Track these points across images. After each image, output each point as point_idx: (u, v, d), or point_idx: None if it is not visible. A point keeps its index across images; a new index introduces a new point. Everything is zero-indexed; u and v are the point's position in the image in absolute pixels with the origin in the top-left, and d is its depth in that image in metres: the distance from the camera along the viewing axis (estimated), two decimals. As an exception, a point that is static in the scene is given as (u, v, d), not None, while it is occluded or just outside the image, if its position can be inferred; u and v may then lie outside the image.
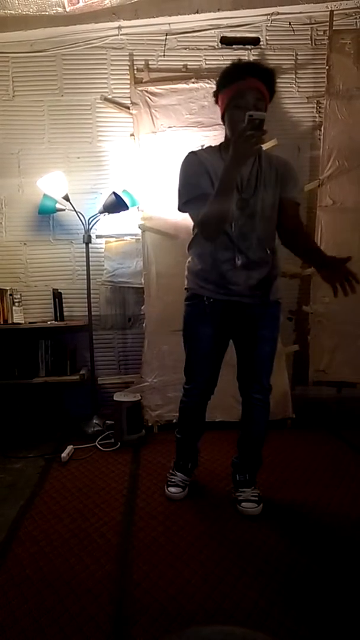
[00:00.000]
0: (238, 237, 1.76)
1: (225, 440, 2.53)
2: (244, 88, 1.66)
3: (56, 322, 3.03)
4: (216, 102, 1.81)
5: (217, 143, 1.87)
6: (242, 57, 3.14)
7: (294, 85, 3.19)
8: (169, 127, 2.99)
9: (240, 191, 1.75)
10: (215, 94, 1.79)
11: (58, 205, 2.99)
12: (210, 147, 1.84)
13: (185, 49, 3.14)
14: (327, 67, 3.03)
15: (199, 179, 1.73)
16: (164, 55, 3.13)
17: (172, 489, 2.05)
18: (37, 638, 1.25)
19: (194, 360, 1.95)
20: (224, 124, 1.79)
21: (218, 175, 1.66)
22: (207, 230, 1.77)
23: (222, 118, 1.79)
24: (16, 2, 2.83)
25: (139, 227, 2.99)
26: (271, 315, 1.88)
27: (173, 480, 2.08)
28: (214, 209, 1.66)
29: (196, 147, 1.86)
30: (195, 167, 1.76)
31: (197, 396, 2.00)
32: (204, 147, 1.86)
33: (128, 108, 3.08)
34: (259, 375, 1.90)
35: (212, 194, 1.65)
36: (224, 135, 1.82)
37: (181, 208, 1.81)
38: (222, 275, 1.80)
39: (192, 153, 1.81)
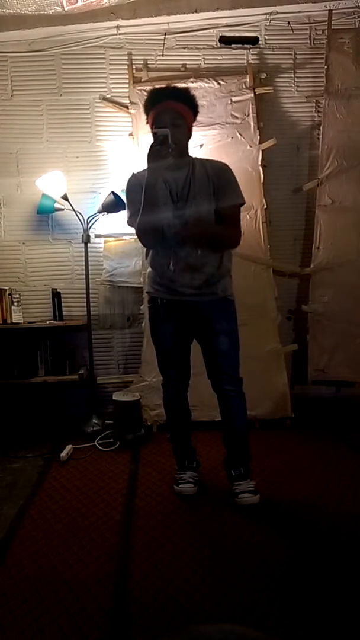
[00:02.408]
0: (174, 243, 1.90)
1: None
2: (160, 110, 1.89)
3: (55, 322, 3.03)
4: (149, 125, 1.98)
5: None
6: (241, 57, 3.15)
7: (292, 85, 3.19)
8: (168, 126, 2.99)
9: (175, 201, 1.91)
10: (147, 120, 1.98)
11: (57, 205, 2.99)
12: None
13: (184, 48, 3.14)
14: (325, 67, 3.03)
15: (136, 196, 1.87)
16: (162, 54, 3.13)
17: (184, 485, 2.07)
18: (37, 637, 1.25)
19: (161, 356, 2.10)
20: None
21: None
22: (143, 239, 2.00)
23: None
24: (15, 1, 2.83)
25: (138, 227, 2.99)
26: (223, 309, 1.98)
27: (183, 478, 2.10)
28: (143, 220, 1.84)
29: (137, 170, 2.05)
30: (133, 186, 1.95)
31: (173, 387, 2.12)
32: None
33: (127, 107, 3.08)
34: (224, 366, 1.97)
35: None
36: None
37: (128, 223, 2.00)
38: (168, 278, 1.95)
39: (132, 174, 2.01)
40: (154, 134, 1.80)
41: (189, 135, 1.98)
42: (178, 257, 1.90)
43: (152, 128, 1.90)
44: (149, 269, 2.07)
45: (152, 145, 1.79)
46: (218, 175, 1.93)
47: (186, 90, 1.99)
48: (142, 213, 1.83)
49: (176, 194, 1.91)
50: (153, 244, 1.97)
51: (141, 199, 1.81)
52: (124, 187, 2.03)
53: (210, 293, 1.94)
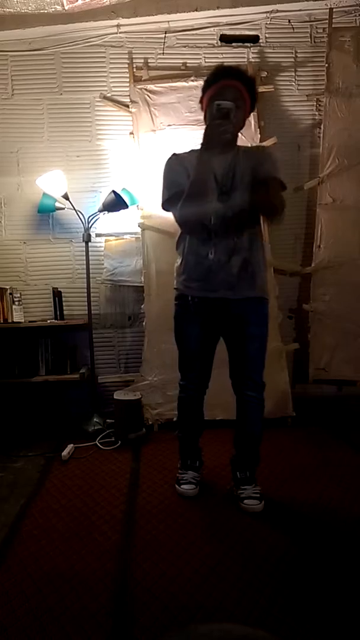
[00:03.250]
0: (216, 230, 1.82)
1: (226, 439, 2.51)
2: (223, 86, 1.78)
3: (56, 321, 3.03)
4: (200, 105, 1.90)
5: None
6: (242, 55, 3.14)
7: (293, 83, 3.19)
8: (169, 125, 2.99)
9: (220, 185, 1.81)
10: (201, 98, 1.88)
11: (57, 204, 2.99)
12: (193, 149, 1.88)
13: (185, 46, 3.14)
14: (326, 65, 3.03)
15: (178, 177, 1.81)
16: (163, 53, 3.13)
17: (185, 486, 2.05)
18: (38, 636, 1.25)
19: (184, 357, 2.03)
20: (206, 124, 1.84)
21: None
22: (186, 225, 1.89)
23: (205, 118, 1.86)
24: (15, 0, 2.82)
25: (139, 226, 2.99)
26: (258, 312, 1.90)
27: (185, 478, 2.08)
28: (190, 203, 1.76)
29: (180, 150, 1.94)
30: (175, 166, 1.87)
31: (192, 390, 2.05)
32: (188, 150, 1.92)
33: (127, 106, 3.08)
34: (250, 372, 1.92)
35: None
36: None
37: (164, 206, 1.91)
38: (205, 270, 1.85)
39: (173, 154, 1.91)
40: (217, 106, 1.64)
41: (243, 125, 1.87)
42: (217, 246, 1.82)
43: (208, 102, 1.78)
44: (179, 263, 1.95)
45: (212, 119, 1.65)
46: (260, 156, 1.86)
47: (253, 78, 1.87)
48: (187, 199, 1.75)
49: (221, 180, 1.81)
50: (193, 231, 1.86)
51: (185, 182, 1.74)
52: (164, 167, 1.90)
53: (246, 287, 1.85)
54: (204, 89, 1.85)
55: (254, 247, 1.87)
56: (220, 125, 1.66)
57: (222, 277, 1.84)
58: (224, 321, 1.92)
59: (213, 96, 1.77)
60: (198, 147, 1.80)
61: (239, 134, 1.93)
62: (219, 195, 1.81)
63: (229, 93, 1.76)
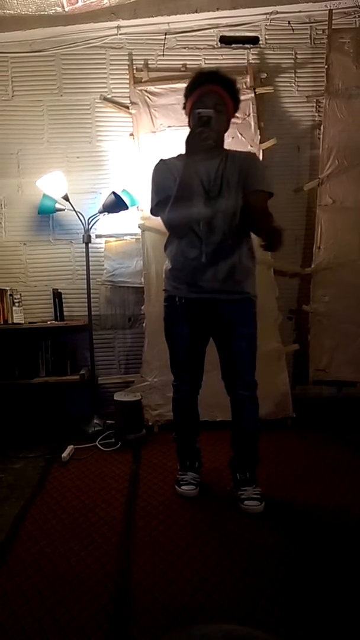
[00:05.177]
0: (205, 234, 1.84)
1: (225, 440, 2.50)
2: (204, 92, 1.81)
3: (56, 322, 3.03)
4: (184, 110, 1.92)
5: None
6: (242, 56, 3.15)
7: (293, 85, 3.19)
8: (169, 126, 2.99)
9: (207, 190, 1.84)
10: (184, 104, 1.91)
11: (58, 205, 2.99)
12: (180, 154, 1.89)
13: (185, 48, 3.14)
14: (326, 66, 3.03)
15: (166, 182, 1.83)
16: (163, 54, 3.13)
17: (185, 487, 2.05)
18: (38, 637, 1.25)
19: (175, 358, 2.05)
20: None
21: None
22: (174, 229, 1.91)
23: (189, 124, 1.89)
24: (15, 2, 2.83)
25: (139, 227, 2.99)
26: (244, 312, 1.92)
27: (185, 479, 2.08)
28: (177, 207, 1.78)
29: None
30: (162, 172, 1.89)
31: (185, 391, 2.07)
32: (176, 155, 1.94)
33: (127, 108, 3.08)
34: (240, 371, 1.93)
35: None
36: None
37: (153, 211, 1.95)
38: (192, 272, 1.88)
39: (160, 160, 1.94)
40: (197, 114, 1.69)
41: (227, 127, 1.90)
42: (206, 250, 1.84)
43: (191, 110, 1.82)
44: (167, 265, 1.99)
45: (193, 127, 1.70)
46: (247, 164, 1.87)
47: (233, 81, 1.88)
48: (174, 204, 1.78)
49: (208, 185, 1.84)
50: (181, 235, 1.89)
51: (172, 187, 1.76)
52: (152, 173, 1.93)
53: (233, 291, 1.87)
54: (186, 95, 1.88)
55: (241, 250, 1.90)
56: (202, 133, 1.70)
57: (209, 279, 1.87)
58: (212, 322, 1.94)
59: (194, 103, 1.82)
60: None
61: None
62: (206, 199, 1.84)
63: (210, 99, 1.79)
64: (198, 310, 1.92)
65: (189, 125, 1.87)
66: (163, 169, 1.89)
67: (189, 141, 1.71)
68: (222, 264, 1.85)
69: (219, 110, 1.79)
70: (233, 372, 1.94)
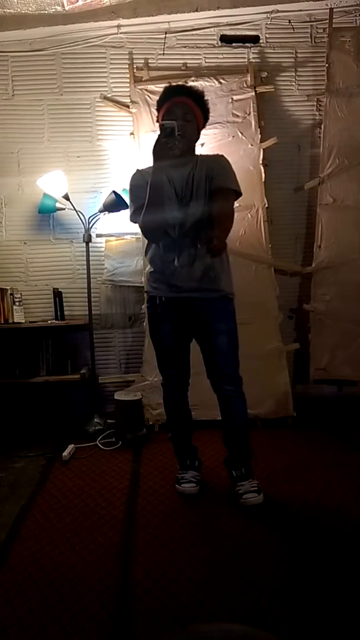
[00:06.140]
0: (179, 237, 1.92)
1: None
2: (172, 104, 1.92)
3: (57, 322, 3.04)
4: (158, 123, 1.98)
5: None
6: (242, 55, 3.15)
7: (293, 83, 3.19)
8: (169, 125, 2.98)
9: (180, 196, 1.92)
10: (157, 116, 2.01)
11: (58, 205, 2.99)
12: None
13: (185, 47, 3.14)
14: (327, 65, 3.03)
15: (141, 191, 1.89)
16: (163, 53, 3.13)
17: (185, 485, 2.06)
18: (39, 636, 1.25)
19: (161, 357, 2.10)
20: None
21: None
22: (149, 234, 2.01)
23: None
24: (15, 1, 2.83)
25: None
26: (222, 309, 1.98)
27: (185, 477, 2.09)
28: (149, 213, 1.85)
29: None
30: (137, 181, 1.97)
31: (174, 387, 2.11)
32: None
33: (128, 107, 3.08)
34: (223, 367, 1.96)
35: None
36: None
37: (131, 218, 2.02)
38: (170, 274, 1.95)
39: (137, 170, 2.03)
40: (161, 126, 1.80)
41: (197, 135, 2.00)
42: (181, 253, 1.92)
43: (160, 122, 1.90)
44: (148, 268, 2.07)
45: (158, 137, 1.78)
46: (212, 165, 1.94)
47: (201, 92, 2.00)
48: (147, 210, 1.84)
49: (180, 191, 1.92)
50: (156, 240, 1.98)
51: (145, 195, 1.82)
52: (128, 183, 2.04)
53: (210, 289, 1.94)
54: (157, 109, 1.99)
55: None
56: (165, 143, 1.78)
57: (187, 280, 1.93)
58: (192, 320, 1.99)
59: (163, 115, 1.92)
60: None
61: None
62: (179, 204, 1.91)
63: (178, 110, 1.90)
64: (178, 309, 1.98)
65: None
66: (139, 178, 1.97)
67: (155, 150, 1.79)
68: (197, 264, 1.92)
69: (187, 119, 1.90)
70: (216, 367, 1.98)
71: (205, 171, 1.93)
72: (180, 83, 2.07)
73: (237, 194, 1.96)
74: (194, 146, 2.00)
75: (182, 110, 1.90)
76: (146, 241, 2.89)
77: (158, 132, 1.81)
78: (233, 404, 1.98)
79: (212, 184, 1.91)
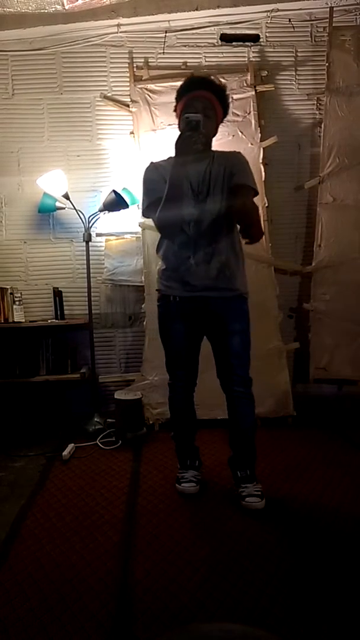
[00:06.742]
0: (195, 234, 1.88)
1: (226, 438, 2.51)
2: (193, 97, 1.87)
3: (57, 321, 3.03)
4: (175, 113, 1.95)
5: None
6: (242, 54, 3.14)
7: (294, 82, 3.18)
8: (169, 124, 2.98)
9: (196, 192, 1.88)
10: (175, 107, 1.94)
11: (58, 204, 2.99)
12: (170, 157, 1.91)
13: (185, 46, 3.14)
14: (327, 64, 3.02)
15: (156, 185, 1.86)
16: (163, 52, 3.13)
17: (186, 484, 2.06)
18: (39, 635, 1.25)
19: (170, 357, 2.07)
20: None
21: None
22: (164, 230, 1.95)
23: (179, 126, 1.90)
24: (15, 0, 2.82)
25: (139, 226, 2.99)
26: (237, 309, 1.95)
27: (185, 476, 2.09)
28: (167, 208, 1.81)
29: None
30: (152, 174, 1.92)
31: (181, 388, 2.09)
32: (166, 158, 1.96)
33: (128, 106, 3.07)
34: (235, 368, 1.95)
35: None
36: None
37: (144, 213, 1.99)
38: (184, 272, 1.91)
39: (151, 163, 1.97)
40: (186, 119, 1.73)
41: (215, 132, 1.95)
42: (197, 251, 1.88)
43: (180, 115, 1.86)
44: (160, 265, 2.02)
45: (182, 131, 1.74)
46: (232, 162, 1.91)
47: (223, 87, 1.94)
48: (164, 205, 1.81)
49: (197, 187, 1.88)
50: (172, 236, 1.93)
51: (162, 189, 1.79)
52: (142, 175, 1.97)
53: (226, 288, 1.91)
54: (177, 99, 1.94)
55: (230, 248, 1.92)
56: (190, 137, 1.72)
57: (202, 278, 1.90)
58: (206, 319, 1.96)
59: (184, 107, 1.86)
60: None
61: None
62: (195, 201, 1.87)
63: (199, 104, 1.84)
64: (192, 308, 1.94)
65: (179, 128, 1.90)
66: (153, 171, 1.93)
67: (178, 144, 1.74)
68: (213, 262, 1.89)
69: (208, 115, 1.84)
70: (228, 368, 1.96)
71: (223, 167, 1.88)
72: (203, 75, 1.98)
73: (256, 192, 1.92)
74: (211, 143, 1.96)
75: (203, 105, 1.84)
76: (149, 238, 2.92)
77: (183, 125, 1.74)
78: (242, 405, 1.96)
79: (232, 181, 1.86)
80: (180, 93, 1.91)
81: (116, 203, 2.86)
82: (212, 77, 1.97)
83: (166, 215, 1.84)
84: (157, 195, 1.85)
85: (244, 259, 2.01)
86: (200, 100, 1.85)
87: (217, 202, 1.86)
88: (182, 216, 1.86)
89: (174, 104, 1.96)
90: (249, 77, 3.02)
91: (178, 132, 1.78)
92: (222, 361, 1.97)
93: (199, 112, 1.77)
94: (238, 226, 1.87)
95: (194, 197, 1.88)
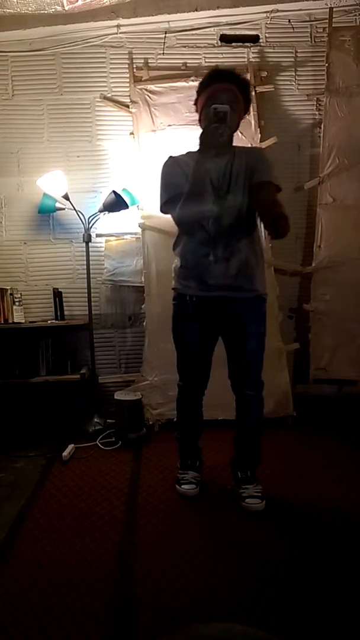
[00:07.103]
0: (215, 231, 1.83)
1: (227, 439, 2.50)
2: (218, 89, 1.80)
3: (57, 321, 3.03)
4: (195, 107, 1.91)
5: None
6: (242, 55, 3.14)
7: (293, 83, 3.19)
8: (169, 125, 2.99)
9: (216, 188, 1.82)
10: (196, 99, 1.90)
11: (58, 205, 2.99)
12: (190, 151, 1.89)
13: (185, 47, 3.14)
14: (326, 65, 3.02)
15: (176, 179, 1.82)
16: (163, 53, 3.13)
17: (186, 486, 2.05)
18: (39, 636, 1.25)
19: (184, 357, 2.02)
20: (201, 127, 1.87)
21: None
22: (185, 225, 1.90)
23: (200, 120, 1.89)
24: (15, 1, 2.83)
25: (139, 226, 2.99)
26: (255, 310, 1.91)
27: (185, 478, 2.08)
28: (189, 205, 1.77)
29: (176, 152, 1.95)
30: (172, 169, 1.88)
31: (191, 391, 2.05)
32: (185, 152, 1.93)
33: (127, 107, 3.08)
34: (248, 370, 1.92)
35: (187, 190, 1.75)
36: None
37: (162, 208, 1.93)
38: (203, 270, 1.86)
39: (170, 157, 1.92)
40: (214, 110, 1.67)
41: (237, 127, 1.90)
42: (217, 248, 1.83)
43: (203, 107, 1.82)
44: (177, 263, 1.97)
45: (208, 122, 1.69)
46: (254, 159, 1.86)
47: (247, 81, 1.90)
48: (186, 201, 1.77)
49: (217, 182, 1.82)
50: (192, 233, 1.87)
51: (183, 184, 1.76)
52: (161, 170, 1.91)
53: (245, 288, 1.86)
54: (199, 91, 1.88)
55: (251, 248, 1.89)
56: (217, 129, 1.68)
57: (220, 277, 1.85)
58: (223, 320, 1.92)
59: (209, 99, 1.80)
60: (194, 149, 1.82)
61: (239, 134, 1.91)
62: (215, 197, 1.82)
63: (225, 96, 1.78)
64: (208, 308, 1.90)
65: (200, 122, 1.86)
66: (173, 165, 1.88)
67: (205, 137, 1.69)
68: (232, 261, 1.84)
69: (233, 108, 1.77)
70: (241, 371, 1.93)
71: (244, 163, 1.83)
72: (228, 68, 1.91)
73: (279, 189, 1.86)
74: (233, 137, 1.88)
75: (228, 97, 1.78)
76: (149, 239, 2.91)
77: (209, 116, 1.69)
78: (251, 407, 1.95)
79: (255, 177, 1.81)
80: (205, 84, 1.85)
81: (116, 204, 2.86)
82: (237, 71, 1.90)
83: (188, 212, 1.79)
84: (177, 190, 1.80)
85: (264, 259, 1.96)
86: (226, 93, 1.79)
87: (237, 199, 1.81)
88: (202, 212, 1.81)
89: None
90: (248, 78, 3.02)
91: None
92: (236, 363, 1.94)
93: (224, 104, 1.71)
94: (261, 224, 1.83)
95: (214, 193, 1.82)
